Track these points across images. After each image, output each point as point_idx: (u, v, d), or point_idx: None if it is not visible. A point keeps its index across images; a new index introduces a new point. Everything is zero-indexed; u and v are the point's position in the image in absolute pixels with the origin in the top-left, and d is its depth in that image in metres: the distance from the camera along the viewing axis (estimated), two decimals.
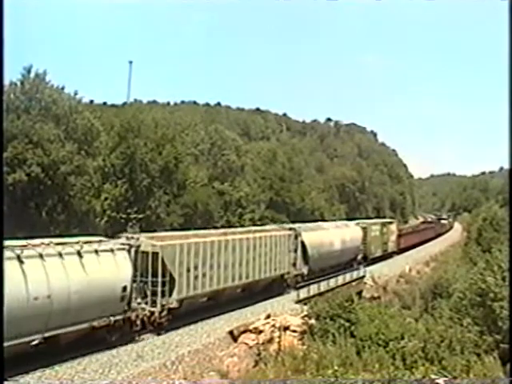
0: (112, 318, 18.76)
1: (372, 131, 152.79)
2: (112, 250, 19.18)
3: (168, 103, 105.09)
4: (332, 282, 31.92)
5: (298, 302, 27.05)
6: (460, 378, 15.38)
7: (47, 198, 33.61)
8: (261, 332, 21.31)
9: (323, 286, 30.67)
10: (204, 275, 23.60)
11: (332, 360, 16.63)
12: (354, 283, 34.96)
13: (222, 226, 41.26)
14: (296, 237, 32.80)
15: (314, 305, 23.03)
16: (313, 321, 21.54)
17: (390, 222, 55.72)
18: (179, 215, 42.71)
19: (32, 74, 35.50)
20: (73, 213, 35.08)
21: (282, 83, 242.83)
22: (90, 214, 37.17)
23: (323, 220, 56.91)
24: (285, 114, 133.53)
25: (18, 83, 35.09)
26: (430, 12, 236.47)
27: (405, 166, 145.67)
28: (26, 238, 17.92)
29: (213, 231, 29.51)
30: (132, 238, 21.27)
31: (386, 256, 48.97)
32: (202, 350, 19.49)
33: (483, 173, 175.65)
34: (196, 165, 50.63)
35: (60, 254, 17.02)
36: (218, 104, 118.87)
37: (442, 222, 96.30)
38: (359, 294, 31.30)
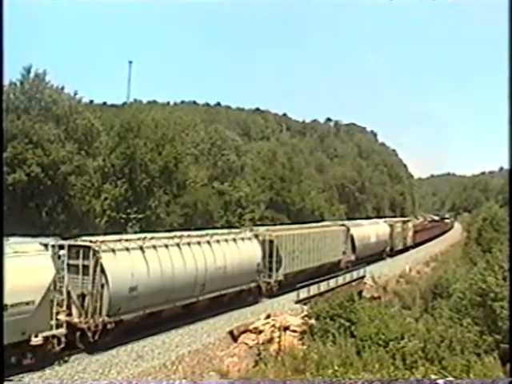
0: (251, 285, 26.98)
1: (372, 131, 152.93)
2: (250, 238, 27.67)
3: (168, 103, 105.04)
4: (332, 282, 31.95)
5: (298, 302, 27.08)
6: (460, 378, 15.37)
7: (47, 198, 33.60)
8: (261, 332, 21.32)
9: (323, 286, 30.70)
10: (298, 257, 31.99)
11: (332, 360, 16.62)
12: (353, 283, 34.97)
13: (222, 226, 41.25)
14: (347, 231, 41.10)
15: (314, 305, 23.06)
16: (313, 321, 21.55)
17: (408, 221, 64.20)
18: (179, 215, 42.68)
19: (32, 74, 35.48)
20: (73, 213, 35.07)
21: (282, 83, 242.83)
22: (90, 214, 37.15)
23: (323, 220, 56.98)
24: (285, 114, 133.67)
25: (18, 83, 35.05)
26: (431, 12, 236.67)
27: (405, 166, 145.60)
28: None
29: (299, 225, 38.06)
30: (256, 230, 30.00)
31: (403, 249, 56.14)
32: (202, 350, 19.48)
33: (483, 173, 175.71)
34: (196, 165, 50.57)
35: (226, 240, 25.52)
36: (218, 104, 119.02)
37: (446, 221, 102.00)
38: (359, 293, 31.32)
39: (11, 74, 34.06)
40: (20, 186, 31.60)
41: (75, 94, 38.31)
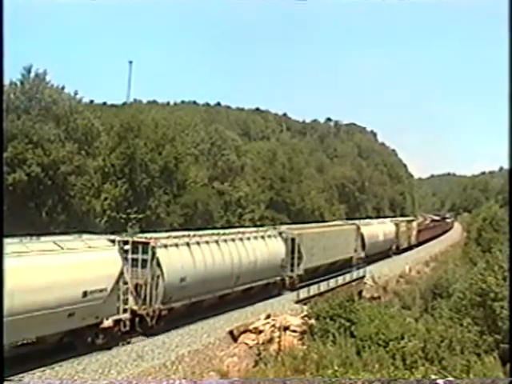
0: (277, 278, 29.34)
1: (372, 131, 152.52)
2: (275, 236, 30.22)
3: (168, 103, 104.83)
4: (332, 282, 31.97)
5: (298, 302, 27.09)
6: (460, 378, 15.37)
7: (47, 198, 33.63)
8: (261, 332, 21.30)
9: (323, 286, 30.71)
10: (316, 254, 34.00)
11: (332, 360, 16.63)
12: (353, 283, 34.99)
13: (222, 226, 41.26)
14: (358, 230, 43.44)
15: (313, 305, 23.07)
16: (313, 321, 21.55)
17: (412, 220, 66.50)
18: (179, 215, 42.70)
19: (32, 74, 35.52)
20: (73, 213, 35.11)
21: (282, 83, 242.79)
22: (90, 214, 37.18)
23: (323, 220, 57.01)
24: (285, 114, 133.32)
25: (18, 83, 35.10)
26: (431, 12, 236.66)
27: (405, 166, 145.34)
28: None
29: (315, 225, 41.42)
30: (279, 228, 32.59)
31: (408, 248, 58.30)
32: (202, 350, 19.48)
33: (483, 173, 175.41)
34: (196, 165, 50.59)
35: (255, 237, 28.06)
36: (218, 104, 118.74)
37: (447, 220, 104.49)
38: (359, 293, 31.38)
39: (11, 74, 34.11)
40: (20, 186, 31.62)
41: (75, 93, 38.44)
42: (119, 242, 19.80)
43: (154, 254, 20.77)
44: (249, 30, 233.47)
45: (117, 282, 18.58)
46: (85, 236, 19.57)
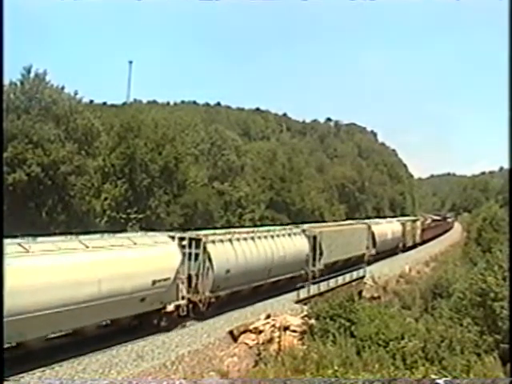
0: (301, 272, 31.60)
1: (372, 131, 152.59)
2: (300, 233, 32.92)
3: (168, 103, 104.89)
4: (332, 282, 31.96)
5: (298, 302, 27.08)
6: (460, 378, 15.37)
7: (47, 198, 33.64)
8: (261, 332, 21.28)
9: (323, 286, 30.71)
10: (334, 250, 36.50)
11: (332, 360, 16.62)
12: (353, 283, 34.97)
13: (222, 226, 41.26)
14: (369, 228, 46.02)
15: (314, 305, 23.06)
16: (313, 321, 21.54)
17: (417, 220, 69.04)
18: (179, 215, 42.70)
19: (32, 74, 35.53)
20: (73, 213, 35.11)
21: (282, 83, 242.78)
22: (90, 214, 37.18)
23: (323, 220, 57.00)
24: (285, 114, 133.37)
25: (18, 83, 35.11)
26: (432, 11, 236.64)
27: (405, 166, 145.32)
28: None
29: (332, 223, 45.74)
30: (302, 226, 34.99)
31: (413, 246, 60.56)
32: (202, 350, 19.46)
33: (483, 173, 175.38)
34: (196, 165, 50.60)
35: (284, 235, 30.98)
36: (218, 104, 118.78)
37: (448, 220, 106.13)
38: (359, 293, 31.37)
39: (11, 74, 34.12)
40: (20, 186, 31.63)
41: (75, 94, 38.48)
42: (178, 238, 23.24)
43: (205, 248, 23.69)
44: (249, 29, 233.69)
45: (177, 272, 21.51)
46: (150, 233, 23.09)
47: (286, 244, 30.39)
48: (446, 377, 15.06)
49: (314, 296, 27.98)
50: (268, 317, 22.66)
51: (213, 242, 24.37)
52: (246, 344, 20.55)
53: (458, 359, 16.99)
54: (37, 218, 32.75)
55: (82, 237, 19.23)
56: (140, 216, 38.38)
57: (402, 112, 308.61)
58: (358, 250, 42.68)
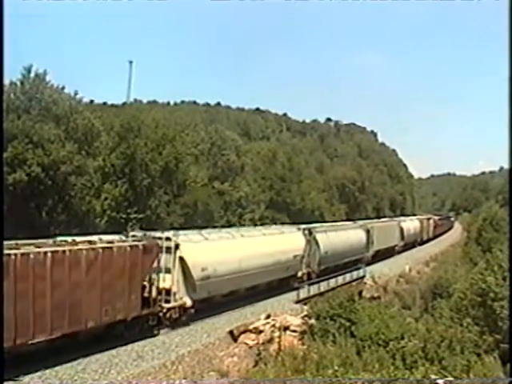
0: (361, 255, 42.65)
1: (372, 131, 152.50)
2: (359, 228, 44.38)
3: (168, 103, 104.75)
4: (332, 282, 31.97)
5: (298, 302, 27.08)
6: (460, 378, 15.37)
7: (47, 198, 33.58)
8: (261, 332, 21.29)
9: (323, 286, 30.72)
10: (379, 241, 47.57)
11: (332, 360, 16.63)
12: (353, 283, 34.95)
13: (223, 226, 41.25)
14: (399, 225, 57.06)
15: (314, 305, 23.05)
16: (313, 321, 21.54)
17: (430, 218, 79.85)
18: (179, 215, 42.67)
19: (32, 74, 35.46)
20: (73, 213, 35.05)
21: (282, 83, 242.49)
22: (90, 214, 37.13)
23: (323, 220, 57.01)
24: (285, 114, 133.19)
25: (18, 83, 35.02)
26: (431, 11, 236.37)
27: (405, 165, 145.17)
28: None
29: (375, 220, 59.04)
30: (359, 222, 47.47)
31: (426, 240, 70.87)
32: (202, 350, 19.46)
33: (483, 173, 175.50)
34: (196, 165, 50.55)
35: (351, 228, 43.82)
36: (218, 104, 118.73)
37: (451, 219, 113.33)
38: (359, 293, 31.33)
39: (11, 74, 34.06)
40: (20, 186, 31.57)
41: (75, 94, 38.33)
42: (302, 229, 33.82)
43: (315, 236, 34.21)
44: (249, 29, 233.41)
45: (303, 251, 32.19)
46: (281, 227, 35.83)
47: (353, 235, 41.55)
48: (446, 377, 15.06)
49: (314, 296, 27.99)
50: (268, 317, 22.67)
51: (318, 232, 35.11)
52: (246, 344, 20.55)
53: (458, 359, 17.00)
54: (37, 218, 32.71)
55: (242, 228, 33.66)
56: (140, 216, 38.31)
57: (402, 112, 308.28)
58: (394, 242, 53.45)
